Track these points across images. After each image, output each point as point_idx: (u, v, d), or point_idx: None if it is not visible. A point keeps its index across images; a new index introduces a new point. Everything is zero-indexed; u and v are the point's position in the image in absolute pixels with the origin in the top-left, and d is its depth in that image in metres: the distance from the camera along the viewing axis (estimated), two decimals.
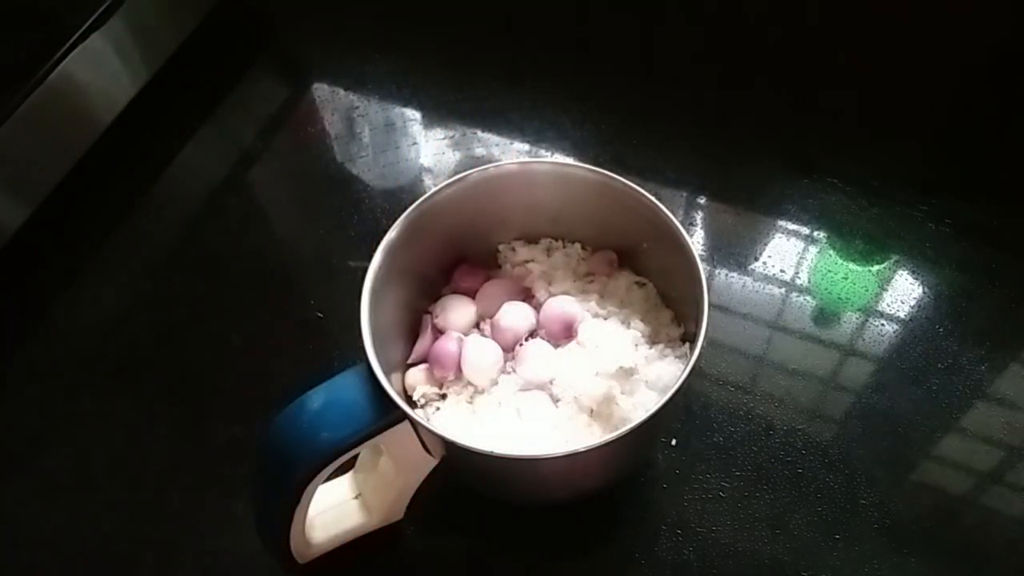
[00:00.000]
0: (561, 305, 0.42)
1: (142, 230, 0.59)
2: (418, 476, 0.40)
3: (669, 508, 0.45)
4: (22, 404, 0.51)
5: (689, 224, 0.57)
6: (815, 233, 0.56)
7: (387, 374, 0.36)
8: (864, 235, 0.55)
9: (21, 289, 0.56)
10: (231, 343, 0.53)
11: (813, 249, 0.55)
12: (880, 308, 0.52)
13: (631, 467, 0.45)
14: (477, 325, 0.44)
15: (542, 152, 0.61)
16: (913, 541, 0.44)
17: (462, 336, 0.43)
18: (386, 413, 0.35)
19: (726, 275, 0.54)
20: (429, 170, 0.61)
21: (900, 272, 0.54)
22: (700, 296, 0.37)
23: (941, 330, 0.51)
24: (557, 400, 0.41)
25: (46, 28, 0.55)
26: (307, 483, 0.35)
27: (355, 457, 0.39)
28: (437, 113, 0.64)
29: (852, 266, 0.54)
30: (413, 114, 0.64)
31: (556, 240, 0.47)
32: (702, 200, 0.58)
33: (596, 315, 0.43)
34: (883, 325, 0.52)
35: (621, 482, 0.45)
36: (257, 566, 0.44)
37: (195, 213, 0.60)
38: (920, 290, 0.53)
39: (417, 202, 0.41)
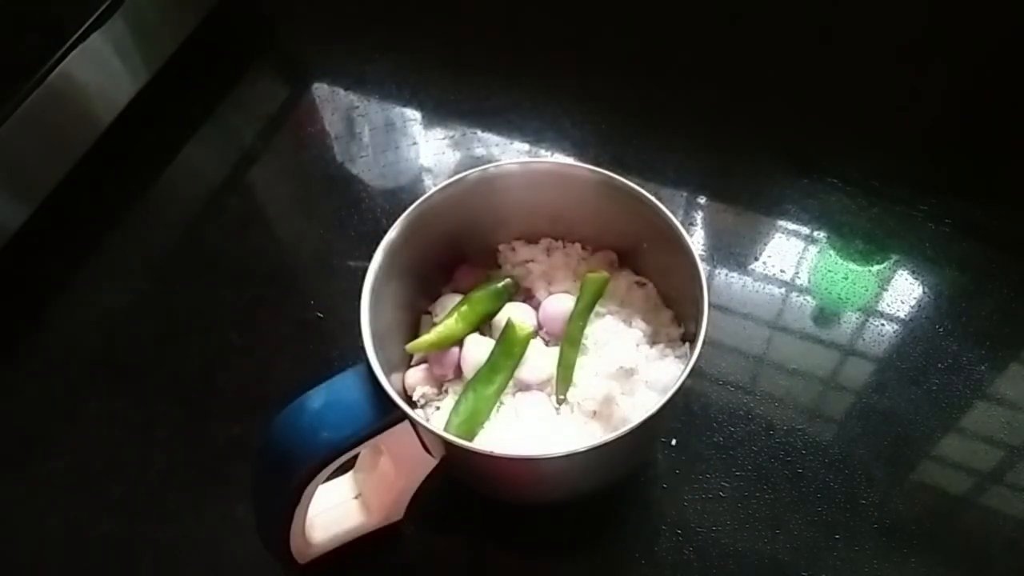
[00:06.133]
0: (560, 304, 0.42)
1: (142, 230, 0.59)
2: (418, 476, 0.40)
3: (669, 508, 0.45)
4: (22, 404, 0.52)
5: (689, 224, 0.57)
6: (815, 233, 0.56)
7: (387, 374, 0.36)
8: (864, 235, 0.55)
9: (21, 289, 0.56)
10: (231, 343, 0.53)
11: (813, 249, 0.55)
12: (880, 308, 0.52)
13: (631, 467, 0.45)
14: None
15: (542, 152, 0.61)
16: (913, 541, 0.44)
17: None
18: (386, 413, 0.35)
19: (726, 275, 0.54)
20: (429, 170, 0.61)
21: (900, 272, 0.54)
22: (700, 296, 0.37)
23: (941, 330, 0.51)
24: (557, 400, 0.41)
25: (46, 28, 0.55)
26: (307, 483, 0.35)
27: (355, 457, 0.39)
28: (437, 113, 0.64)
29: (852, 266, 0.54)
30: (413, 114, 0.64)
31: (556, 240, 0.47)
32: (702, 200, 0.59)
33: (596, 315, 0.43)
34: (883, 325, 0.52)
35: (621, 482, 0.45)
36: (257, 566, 0.44)
37: (195, 213, 0.60)
38: (920, 290, 0.53)
39: (417, 202, 0.41)
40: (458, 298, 0.44)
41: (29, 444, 0.50)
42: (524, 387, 0.41)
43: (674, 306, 0.44)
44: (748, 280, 0.54)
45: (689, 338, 0.42)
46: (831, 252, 0.55)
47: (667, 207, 0.40)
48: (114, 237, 0.59)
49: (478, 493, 0.43)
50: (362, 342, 0.36)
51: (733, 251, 0.55)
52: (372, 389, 0.35)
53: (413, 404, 0.42)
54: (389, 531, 0.43)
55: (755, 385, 0.49)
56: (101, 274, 0.57)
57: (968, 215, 0.56)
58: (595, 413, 0.40)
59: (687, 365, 0.36)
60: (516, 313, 0.42)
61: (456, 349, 0.42)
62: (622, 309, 0.44)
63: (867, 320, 0.52)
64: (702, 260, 0.49)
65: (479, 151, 0.62)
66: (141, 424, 0.50)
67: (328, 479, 0.37)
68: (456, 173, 0.42)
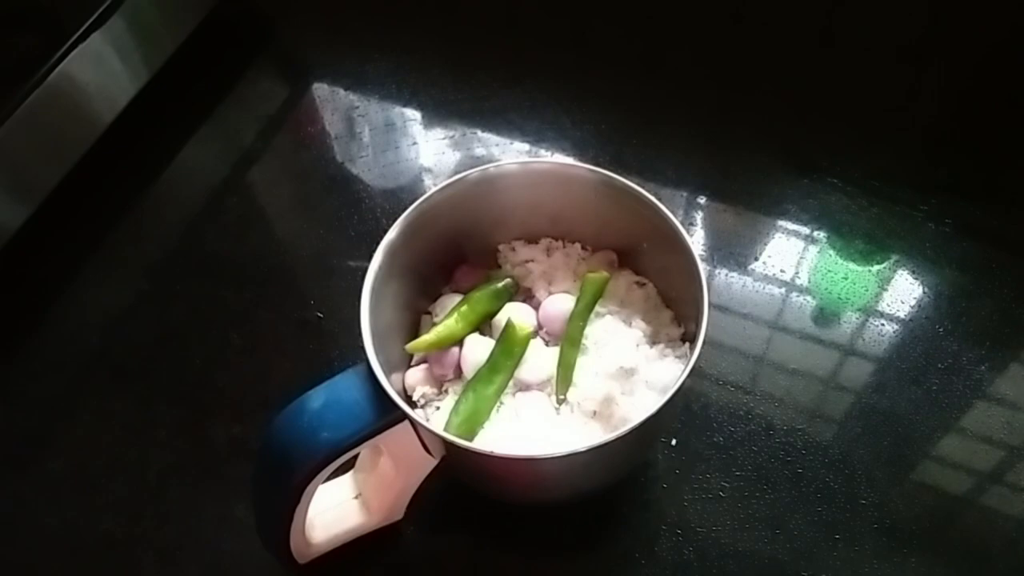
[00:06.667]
0: (560, 304, 0.42)
1: (142, 230, 0.59)
2: (418, 476, 0.40)
3: (669, 508, 0.45)
4: (22, 404, 0.52)
5: (689, 224, 0.57)
6: (815, 233, 0.56)
7: (387, 374, 0.36)
8: (864, 235, 0.55)
9: (21, 289, 0.56)
10: (231, 343, 0.53)
11: (813, 249, 0.55)
12: (880, 308, 0.52)
13: (631, 467, 0.45)
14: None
15: (542, 152, 0.61)
16: (913, 541, 0.44)
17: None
18: (386, 413, 0.35)
19: (726, 275, 0.54)
20: (429, 170, 0.61)
21: (900, 272, 0.54)
22: (700, 296, 0.37)
23: (941, 330, 0.51)
24: (557, 400, 0.41)
25: (46, 28, 0.55)
26: (307, 483, 0.35)
27: (355, 457, 0.39)
28: (437, 113, 0.64)
29: (852, 266, 0.54)
30: (413, 114, 0.64)
31: (556, 240, 0.47)
32: (702, 200, 0.59)
33: (596, 315, 0.43)
34: (883, 325, 0.52)
35: (621, 482, 0.45)
36: (257, 566, 0.44)
37: (195, 213, 0.60)
38: (920, 290, 0.53)
39: (417, 202, 0.41)
40: (458, 298, 0.44)
41: (29, 444, 0.50)
42: (524, 387, 0.41)
43: (674, 306, 0.44)
44: (748, 280, 0.54)
45: (689, 338, 0.42)
46: (831, 252, 0.55)
47: (667, 207, 0.40)
48: (114, 237, 0.59)
49: (478, 493, 0.43)
50: (362, 342, 0.36)
51: (733, 251, 0.55)
52: (372, 389, 0.35)
53: (413, 404, 0.42)
54: (389, 531, 0.43)
55: (755, 385, 0.49)
56: (101, 274, 0.57)
57: (968, 215, 0.56)
58: (595, 413, 0.40)
59: (687, 365, 0.36)
60: (516, 313, 0.42)
61: (456, 349, 0.42)
62: (622, 309, 0.44)
63: (867, 320, 0.52)
64: (702, 260, 0.49)
65: (479, 151, 0.62)
66: (141, 424, 0.50)
67: (328, 479, 0.37)
68: (456, 173, 0.42)
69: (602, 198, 0.43)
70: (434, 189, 0.42)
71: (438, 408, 0.41)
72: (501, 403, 0.41)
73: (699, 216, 0.58)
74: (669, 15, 0.68)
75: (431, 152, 0.62)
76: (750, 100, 0.63)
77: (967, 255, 0.54)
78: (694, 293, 0.38)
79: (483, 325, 0.43)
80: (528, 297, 0.45)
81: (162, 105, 0.62)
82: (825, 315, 0.52)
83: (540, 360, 0.41)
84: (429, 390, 0.42)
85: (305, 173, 0.62)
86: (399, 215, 0.40)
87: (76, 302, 0.56)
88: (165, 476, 0.48)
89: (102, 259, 0.58)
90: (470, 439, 0.39)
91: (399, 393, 0.35)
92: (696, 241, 0.56)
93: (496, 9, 0.70)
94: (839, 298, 0.53)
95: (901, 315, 0.52)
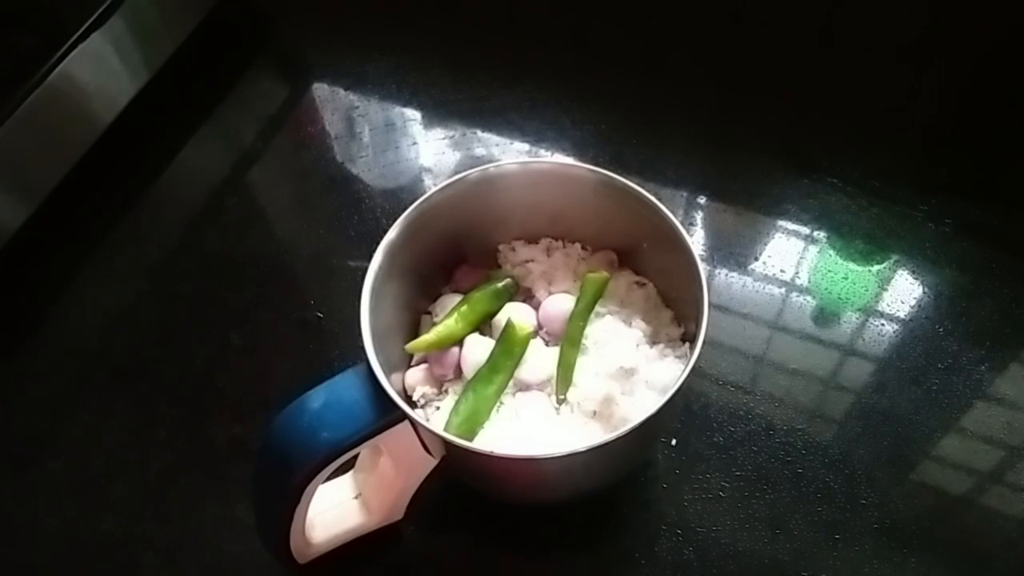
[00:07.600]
0: (560, 304, 0.42)
1: (142, 230, 0.59)
2: (418, 476, 0.40)
3: (669, 508, 0.45)
4: (22, 404, 0.52)
5: (689, 224, 0.57)
6: (815, 233, 0.56)
7: (387, 374, 0.36)
8: (864, 235, 0.55)
9: (21, 289, 0.56)
10: (231, 343, 0.53)
11: (813, 249, 0.55)
12: (880, 308, 0.52)
13: (631, 467, 0.45)
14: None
15: (542, 152, 0.61)
16: (913, 541, 0.44)
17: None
18: (386, 413, 0.35)
19: (726, 275, 0.54)
20: (429, 170, 0.61)
21: (900, 272, 0.54)
22: (700, 296, 0.37)
23: (941, 330, 0.51)
24: (557, 400, 0.41)
25: (46, 28, 0.55)
26: (307, 483, 0.35)
27: (355, 457, 0.39)
28: (437, 113, 0.64)
29: (852, 266, 0.54)
30: (413, 114, 0.64)
31: (556, 240, 0.47)
32: (702, 200, 0.59)
33: (596, 315, 0.43)
34: (883, 325, 0.52)
35: (621, 482, 0.45)
36: (257, 566, 0.44)
37: (195, 213, 0.60)
38: (920, 290, 0.53)
39: (417, 202, 0.41)
40: (458, 298, 0.44)
41: (29, 444, 0.50)
42: (524, 387, 0.41)
43: (674, 306, 0.44)
44: (748, 280, 0.54)
45: (689, 338, 0.42)
46: (831, 252, 0.55)
47: (667, 207, 0.40)
48: (114, 237, 0.59)
49: (478, 493, 0.43)
50: (362, 342, 0.36)
51: (733, 251, 0.55)
52: (372, 389, 0.35)
53: (413, 404, 0.42)
54: (389, 531, 0.43)
55: (755, 385, 0.49)
56: (101, 274, 0.57)
57: (968, 215, 0.56)
58: (595, 413, 0.40)
59: (687, 365, 0.36)
60: (516, 313, 0.42)
61: (456, 349, 0.42)
62: (622, 309, 0.44)
63: (867, 320, 0.52)
64: (702, 260, 0.49)
65: (479, 151, 0.62)
66: (141, 424, 0.50)
67: (328, 479, 0.37)
68: (456, 173, 0.42)
69: (602, 198, 0.43)
70: (434, 189, 0.42)
71: (438, 408, 0.41)
72: (501, 403, 0.41)
73: (699, 216, 0.58)
74: (669, 15, 0.68)
75: (431, 152, 0.62)
76: (750, 100, 0.63)
77: (967, 255, 0.54)
78: (694, 293, 0.38)
79: (483, 325, 0.43)
80: (528, 297, 0.45)
81: (162, 105, 0.62)
82: (825, 315, 0.52)
83: (540, 360, 0.41)
84: (429, 390, 0.42)
85: (305, 173, 0.62)
86: (399, 215, 0.41)
87: (76, 302, 0.56)
88: (165, 476, 0.48)
89: (102, 259, 0.58)
90: (470, 439, 0.39)
91: (399, 393, 0.35)
92: (696, 241, 0.56)
93: (496, 9, 0.70)
94: (839, 298, 0.53)
95: (901, 315, 0.52)
